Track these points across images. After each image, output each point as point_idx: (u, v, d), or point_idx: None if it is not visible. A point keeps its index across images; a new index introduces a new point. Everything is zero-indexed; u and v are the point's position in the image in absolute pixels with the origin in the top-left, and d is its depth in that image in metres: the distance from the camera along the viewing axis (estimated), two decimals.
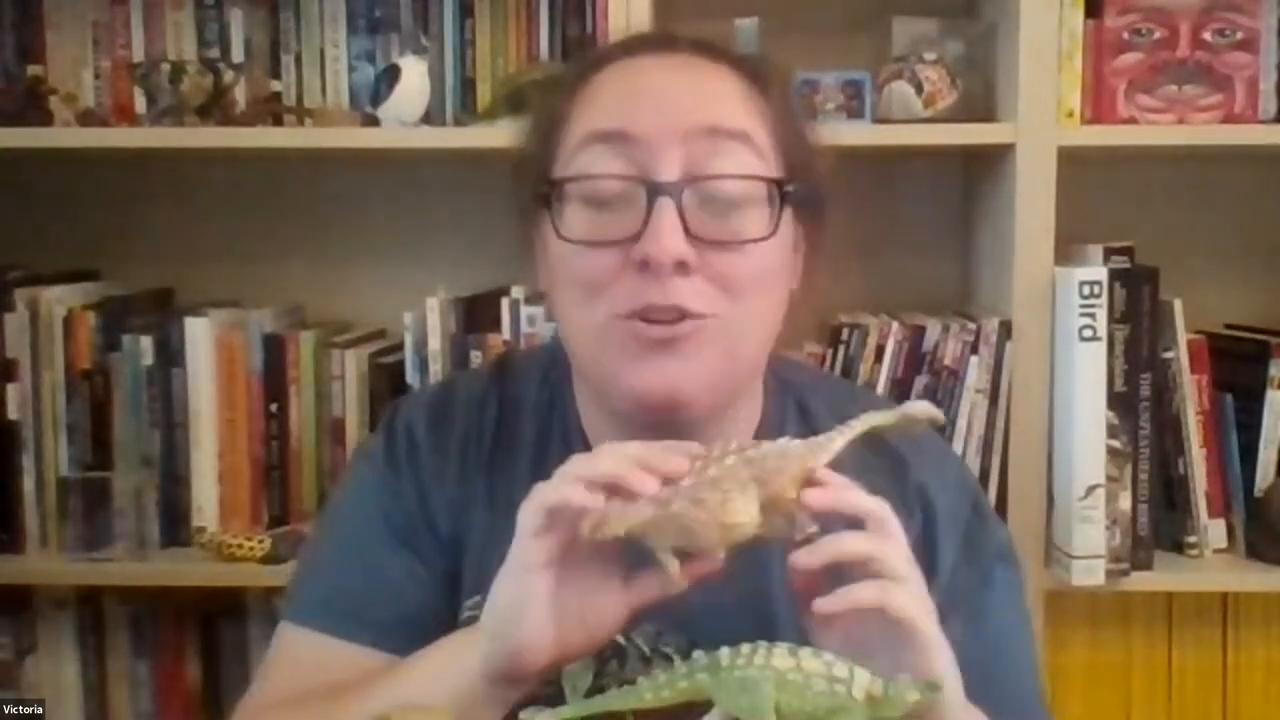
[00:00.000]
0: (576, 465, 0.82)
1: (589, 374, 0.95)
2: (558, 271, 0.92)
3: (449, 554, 1.00)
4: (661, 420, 0.91)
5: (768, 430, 0.99)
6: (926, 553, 0.97)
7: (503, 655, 0.83)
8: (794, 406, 1.03)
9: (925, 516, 0.98)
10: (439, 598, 0.99)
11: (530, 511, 0.82)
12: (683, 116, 0.88)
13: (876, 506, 0.81)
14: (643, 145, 0.87)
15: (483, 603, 0.94)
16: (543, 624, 0.82)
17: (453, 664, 0.85)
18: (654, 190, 0.86)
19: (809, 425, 1.01)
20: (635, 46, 0.96)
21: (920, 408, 0.85)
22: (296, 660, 0.98)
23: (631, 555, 0.84)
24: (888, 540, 0.80)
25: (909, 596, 0.79)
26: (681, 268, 0.86)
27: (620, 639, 0.94)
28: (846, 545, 0.79)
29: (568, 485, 0.80)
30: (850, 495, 0.81)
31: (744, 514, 0.79)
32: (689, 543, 0.80)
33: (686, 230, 0.86)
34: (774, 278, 0.92)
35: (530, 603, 0.81)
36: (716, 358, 0.90)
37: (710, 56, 0.94)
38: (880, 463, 0.99)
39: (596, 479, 0.80)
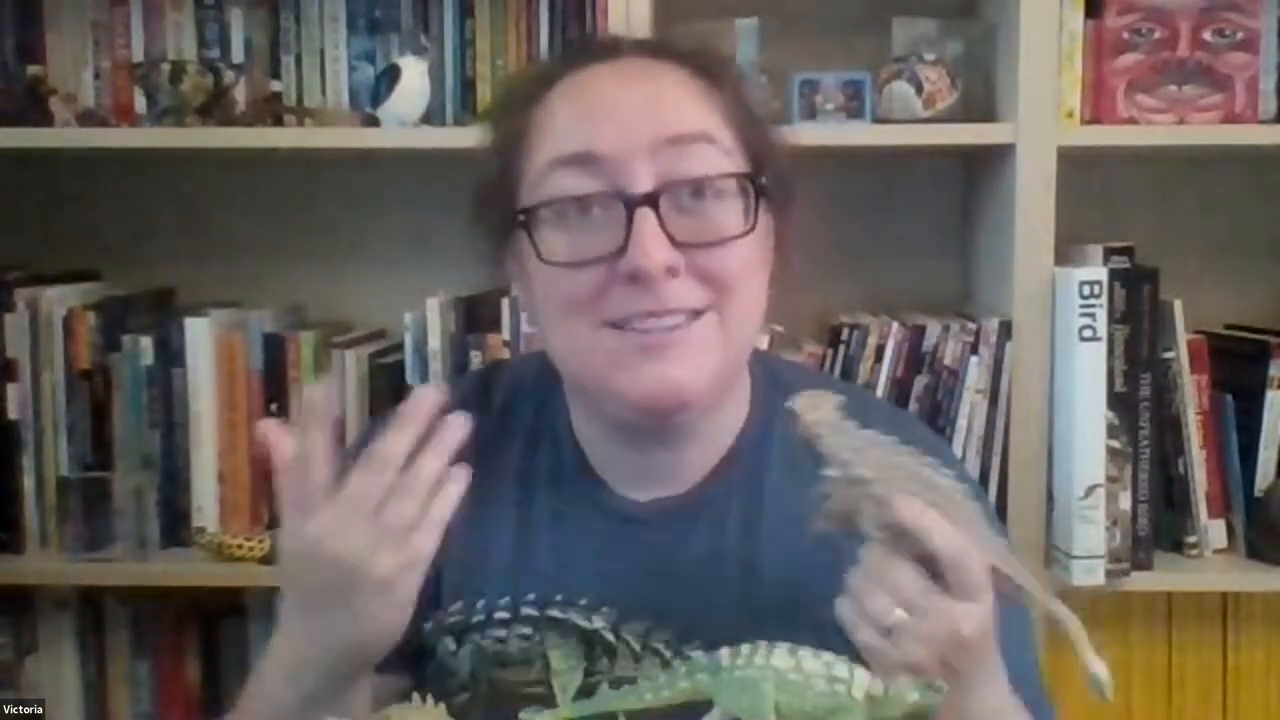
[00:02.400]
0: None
1: (583, 385, 0.95)
2: (541, 292, 0.92)
3: None
4: (660, 422, 0.92)
5: (755, 424, 1.00)
6: None
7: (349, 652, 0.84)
8: (783, 402, 1.03)
9: None
10: None
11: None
12: (644, 129, 0.88)
13: (959, 554, 0.78)
14: (610, 163, 0.87)
15: (465, 608, 0.96)
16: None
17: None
18: (632, 203, 0.86)
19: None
20: (581, 57, 0.95)
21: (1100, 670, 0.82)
22: None
23: None
24: (971, 569, 0.78)
25: (978, 619, 0.79)
26: (670, 272, 0.87)
27: (610, 637, 0.94)
28: (943, 533, 0.78)
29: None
30: (942, 530, 0.78)
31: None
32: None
33: (669, 237, 0.86)
34: (756, 267, 0.93)
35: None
36: (713, 352, 0.90)
37: (657, 56, 0.94)
38: None
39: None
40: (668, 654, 0.93)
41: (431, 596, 0.99)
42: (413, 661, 1.00)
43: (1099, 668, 0.81)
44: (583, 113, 0.90)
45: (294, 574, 0.83)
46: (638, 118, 0.88)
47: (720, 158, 0.90)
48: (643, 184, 0.87)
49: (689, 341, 0.89)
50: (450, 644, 0.97)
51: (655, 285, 0.86)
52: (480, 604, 0.97)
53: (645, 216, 0.86)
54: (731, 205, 0.90)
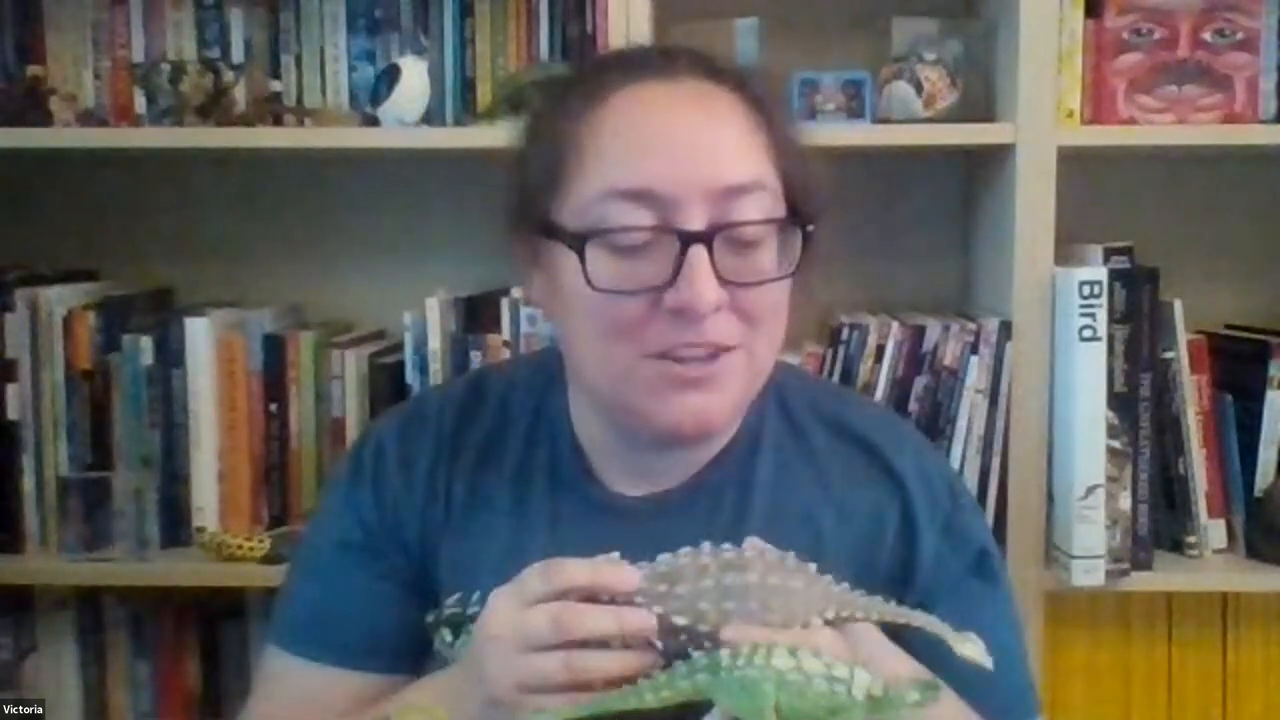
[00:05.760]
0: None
1: (609, 403, 0.97)
2: (579, 312, 0.93)
3: (418, 563, 1.03)
4: (680, 445, 0.97)
5: (749, 421, 1.02)
6: (906, 539, 1.00)
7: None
8: (774, 403, 1.05)
9: (903, 503, 1.01)
10: (405, 609, 1.02)
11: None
12: (702, 173, 0.90)
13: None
14: (668, 200, 0.89)
15: (463, 600, 0.99)
16: None
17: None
18: (687, 240, 0.88)
19: (790, 421, 1.04)
20: (636, 71, 0.95)
21: (971, 649, 0.83)
22: (274, 680, 1.04)
23: None
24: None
25: None
26: (714, 308, 0.89)
27: None
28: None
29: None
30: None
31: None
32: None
33: (718, 275, 0.89)
34: (785, 301, 0.96)
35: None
36: (741, 384, 0.94)
37: (714, 80, 0.95)
38: (855, 451, 1.03)
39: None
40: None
41: (431, 592, 1.01)
42: (418, 659, 1.01)
43: (967, 647, 0.83)
44: (641, 146, 0.91)
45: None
46: (697, 161, 0.90)
47: (769, 203, 0.92)
48: (697, 221, 0.89)
49: (720, 376, 0.92)
50: (447, 635, 0.99)
51: (700, 320, 0.89)
52: (476, 596, 0.98)
53: (699, 254, 0.88)
54: (774, 247, 0.93)
